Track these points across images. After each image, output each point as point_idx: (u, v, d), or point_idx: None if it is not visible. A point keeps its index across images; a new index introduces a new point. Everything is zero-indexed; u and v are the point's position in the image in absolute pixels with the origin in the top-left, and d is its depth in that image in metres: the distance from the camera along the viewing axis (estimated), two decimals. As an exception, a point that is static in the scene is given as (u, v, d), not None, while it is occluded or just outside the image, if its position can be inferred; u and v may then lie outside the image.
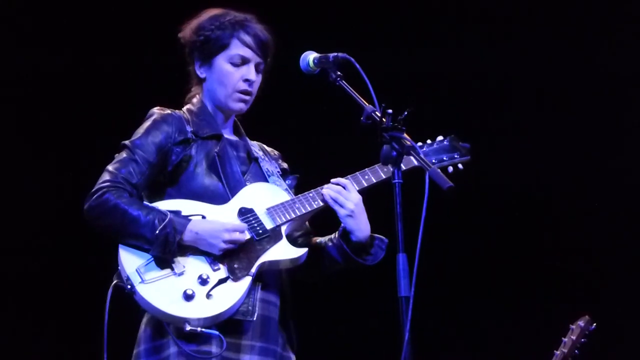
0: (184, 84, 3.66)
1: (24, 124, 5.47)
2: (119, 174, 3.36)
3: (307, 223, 3.59)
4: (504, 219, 5.64)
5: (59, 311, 5.49)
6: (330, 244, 3.52)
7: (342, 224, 3.45)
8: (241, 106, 3.55)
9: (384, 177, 3.45)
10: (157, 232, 3.23)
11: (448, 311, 5.58)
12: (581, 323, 3.92)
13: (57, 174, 5.51)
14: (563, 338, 3.92)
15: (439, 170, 2.90)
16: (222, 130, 3.56)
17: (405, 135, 3.00)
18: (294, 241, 3.48)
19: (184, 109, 3.57)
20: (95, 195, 3.32)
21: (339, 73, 3.26)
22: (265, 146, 3.71)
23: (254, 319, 3.29)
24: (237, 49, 3.53)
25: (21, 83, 5.45)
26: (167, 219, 3.26)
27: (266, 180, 3.52)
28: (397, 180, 2.96)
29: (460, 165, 3.60)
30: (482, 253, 5.62)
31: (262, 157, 3.61)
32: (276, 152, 3.74)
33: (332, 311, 5.11)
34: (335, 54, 3.29)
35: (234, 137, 3.60)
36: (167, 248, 3.25)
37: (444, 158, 3.60)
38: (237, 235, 3.31)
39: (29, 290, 5.44)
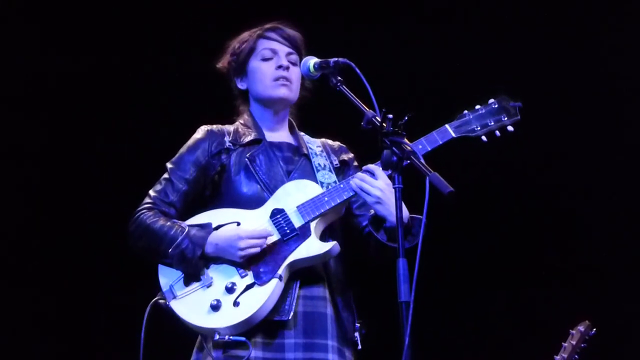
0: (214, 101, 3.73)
1: (25, 124, 5.48)
2: (155, 195, 3.48)
3: (370, 211, 3.54)
4: (504, 224, 5.63)
5: (59, 310, 5.49)
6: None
7: (373, 211, 3.42)
8: (284, 91, 3.56)
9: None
10: (171, 250, 3.32)
11: (448, 316, 5.58)
12: (581, 328, 3.92)
13: (57, 174, 5.51)
14: (563, 343, 3.92)
15: (439, 175, 2.88)
16: (270, 134, 3.59)
17: (405, 140, 3.00)
18: (354, 231, 3.49)
19: (236, 123, 3.64)
20: (132, 220, 3.44)
21: (339, 78, 3.27)
22: (329, 141, 3.72)
23: (289, 317, 3.30)
24: (263, 45, 3.61)
25: (22, 83, 5.46)
26: (184, 234, 3.33)
27: (314, 175, 3.51)
28: (397, 185, 2.96)
29: (510, 128, 3.47)
30: (482, 258, 5.62)
31: (319, 152, 3.60)
32: (340, 145, 3.73)
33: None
34: (336, 58, 3.29)
35: (281, 139, 3.61)
36: (187, 263, 3.33)
37: (489, 123, 3.47)
38: (253, 241, 3.32)
39: (29, 290, 5.45)
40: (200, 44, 5.02)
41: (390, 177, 3.36)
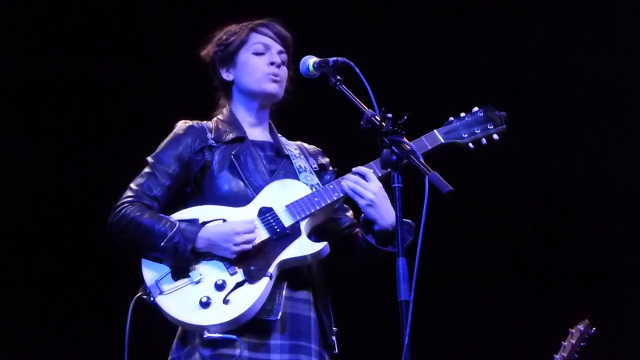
0: (210, 99, 3.70)
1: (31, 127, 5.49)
2: (138, 189, 3.42)
3: (349, 214, 3.57)
4: (504, 223, 5.64)
5: (45, 306, 5.50)
6: (359, 234, 3.47)
7: (363, 214, 3.41)
8: (274, 87, 3.55)
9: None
10: (163, 243, 3.27)
11: (447, 315, 5.58)
12: (581, 327, 3.92)
13: (45, 171, 5.52)
14: (562, 342, 3.93)
15: (438, 174, 2.88)
16: (250, 132, 3.57)
17: (405, 139, 2.99)
18: (331, 234, 3.47)
19: (213, 119, 3.61)
20: (115, 212, 3.38)
21: (338, 77, 3.27)
22: (305, 144, 3.72)
23: (278, 317, 3.28)
24: (256, 38, 3.59)
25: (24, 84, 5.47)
26: (175, 229, 3.30)
27: (297, 177, 3.50)
28: (396, 185, 2.95)
29: (495, 136, 3.51)
30: (482, 257, 5.63)
31: (297, 154, 3.59)
32: (316, 149, 3.73)
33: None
34: (335, 58, 3.29)
35: (261, 138, 3.60)
36: (179, 258, 3.29)
37: (476, 130, 3.51)
38: (248, 237, 3.30)
39: (14, 286, 5.45)
40: (180, 41, 5.04)
41: (383, 177, 3.37)
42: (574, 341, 3.91)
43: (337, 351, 3.44)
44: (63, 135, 5.50)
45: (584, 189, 5.67)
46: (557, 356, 3.91)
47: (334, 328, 3.46)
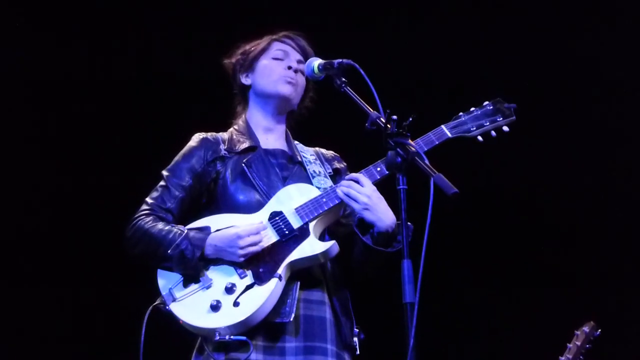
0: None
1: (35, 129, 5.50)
2: (152, 202, 3.50)
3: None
4: (509, 225, 5.63)
5: (61, 313, 5.50)
6: (357, 237, 3.49)
7: (358, 217, 3.43)
8: (288, 88, 3.60)
9: None
10: (170, 250, 3.33)
11: (452, 317, 5.58)
12: (586, 329, 3.92)
13: (59, 175, 5.52)
14: (568, 344, 3.93)
15: (443, 176, 2.87)
16: (264, 139, 3.62)
17: (409, 141, 3.00)
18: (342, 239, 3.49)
19: (229, 130, 3.67)
20: (130, 226, 3.46)
21: (343, 79, 3.27)
22: (322, 150, 3.77)
23: (290, 319, 3.30)
24: (276, 47, 3.67)
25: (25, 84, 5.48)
26: (183, 236, 3.35)
27: (310, 182, 3.53)
28: (401, 187, 2.95)
29: (505, 128, 3.54)
30: (487, 259, 5.62)
31: (313, 160, 3.64)
32: (333, 154, 3.78)
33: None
34: (340, 60, 3.29)
35: (275, 146, 3.64)
36: (187, 264, 3.34)
37: (485, 123, 3.54)
38: (252, 240, 3.34)
39: (30, 292, 5.45)
40: (200, 50, 5.06)
41: (378, 181, 3.40)
42: (579, 343, 3.90)
43: (358, 352, 3.46)
44: (75, 138, 5.52)
45: (589, 189, 5.66)
46: (563, 358, 3.91)
47: (355, 329, 3.48)
